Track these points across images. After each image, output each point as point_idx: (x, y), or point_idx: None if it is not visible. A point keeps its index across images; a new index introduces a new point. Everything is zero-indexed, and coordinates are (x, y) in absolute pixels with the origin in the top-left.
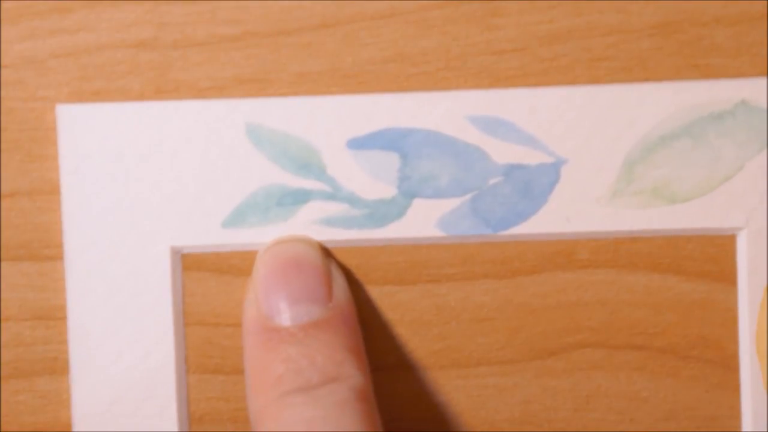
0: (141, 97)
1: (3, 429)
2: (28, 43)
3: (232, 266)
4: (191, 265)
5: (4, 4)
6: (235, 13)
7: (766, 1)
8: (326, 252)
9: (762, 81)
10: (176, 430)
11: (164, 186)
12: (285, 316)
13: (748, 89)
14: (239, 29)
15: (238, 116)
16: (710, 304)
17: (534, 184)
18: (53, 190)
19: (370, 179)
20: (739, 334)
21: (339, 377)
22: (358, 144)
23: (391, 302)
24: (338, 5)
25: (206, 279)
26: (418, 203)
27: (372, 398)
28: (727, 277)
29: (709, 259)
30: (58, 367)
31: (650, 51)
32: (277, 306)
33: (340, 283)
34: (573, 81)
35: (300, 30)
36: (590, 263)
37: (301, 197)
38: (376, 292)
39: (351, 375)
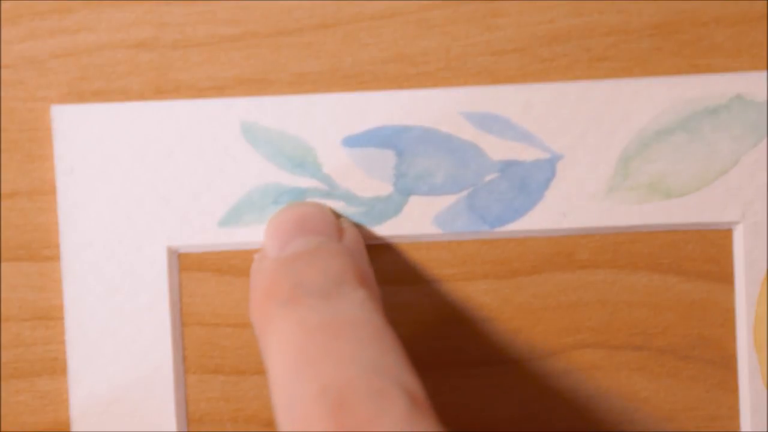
0: (141, 97)
1: (3, 429)
2: (28, 43)
3: (232, 266)
4: (190, 266)
5: (4, 4)
6: (235, 13)
7: (766, 1)
8: (336, 214)
9: (757, 75)
10: (175, 430)
11: (160, 186)
12: (296, 244)
13: (743, 83)
14: (239, 29)
15: (233, 115)
16: (710, 305)
17: (530, 180)
18: (53, 191)
19: (366, 177)
20: (737, 330)
21: (353, 286)
22: (353, 142)
23: (391, 302)
24: (338, 5)
25: (206, 279)
26: (414, 200)
27: (383, 310)
28: (727, 277)
29: (709, 259)
30: (57, 367)
31: (650, 51)
32: (286, 239)
33: (351, 231)
34: (573, 81)
35: (300, 30)
36: (590, 263)
37: (297, 195)
38: None
39: (364, 288)
